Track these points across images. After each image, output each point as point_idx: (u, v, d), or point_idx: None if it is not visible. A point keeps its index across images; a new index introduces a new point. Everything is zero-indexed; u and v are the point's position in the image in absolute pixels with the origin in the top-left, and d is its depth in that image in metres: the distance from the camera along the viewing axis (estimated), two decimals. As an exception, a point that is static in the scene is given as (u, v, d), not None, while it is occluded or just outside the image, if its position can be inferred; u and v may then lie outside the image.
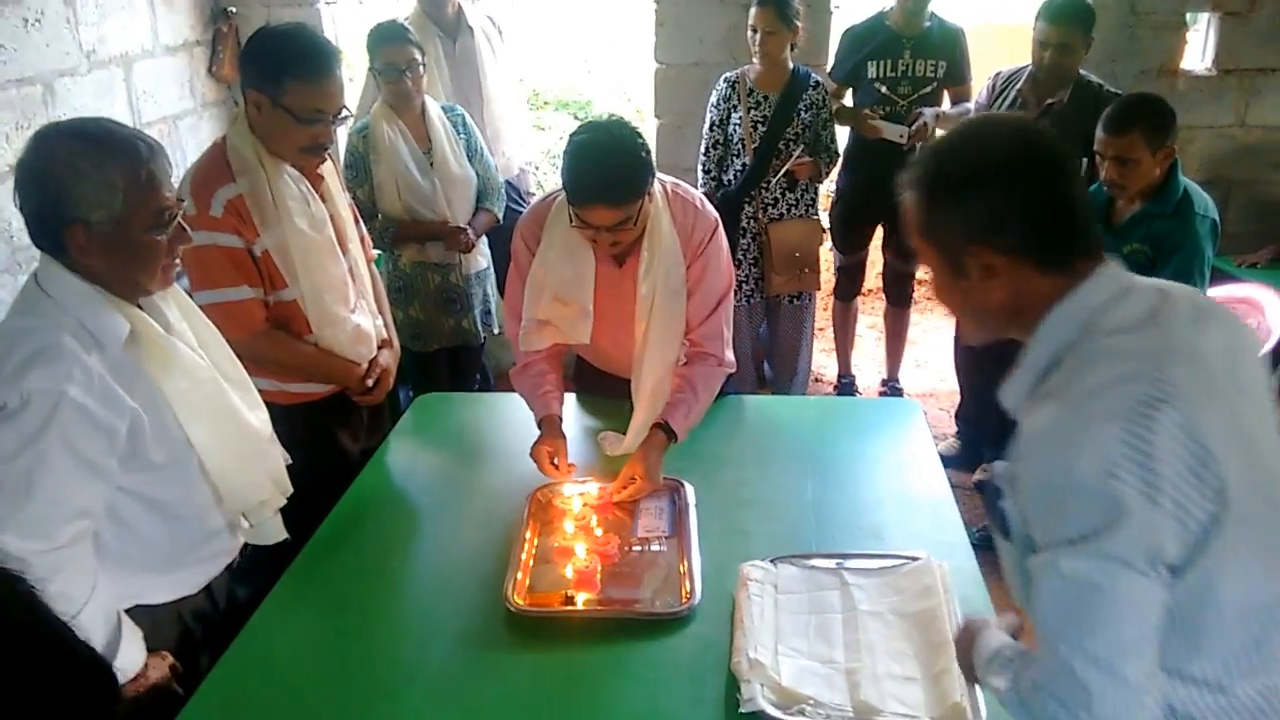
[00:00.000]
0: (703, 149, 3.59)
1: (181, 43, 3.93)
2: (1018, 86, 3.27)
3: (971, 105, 3.72)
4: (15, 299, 1.56)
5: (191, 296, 1.95)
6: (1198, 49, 3.98)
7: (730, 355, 2.25)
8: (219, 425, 1.70)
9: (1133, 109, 2.57)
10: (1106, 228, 2.71)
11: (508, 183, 3.65)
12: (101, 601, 1.50)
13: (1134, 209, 2.63)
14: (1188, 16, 3.85)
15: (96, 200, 1.48)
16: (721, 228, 2.22)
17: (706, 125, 3.57)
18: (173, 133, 3.88)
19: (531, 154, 4.22)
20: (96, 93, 3.43)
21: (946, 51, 3.62)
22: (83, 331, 1.49)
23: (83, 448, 1.46)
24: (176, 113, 3.90)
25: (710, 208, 2.22)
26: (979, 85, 3.73)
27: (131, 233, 1.51)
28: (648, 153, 2.00)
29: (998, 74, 3.39)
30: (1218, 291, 3.03)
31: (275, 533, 1.89)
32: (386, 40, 3.00)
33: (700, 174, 3.60)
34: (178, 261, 1.64)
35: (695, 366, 2.19)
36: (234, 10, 4.10)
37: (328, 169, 2.26)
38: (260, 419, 1.83)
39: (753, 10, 3.38)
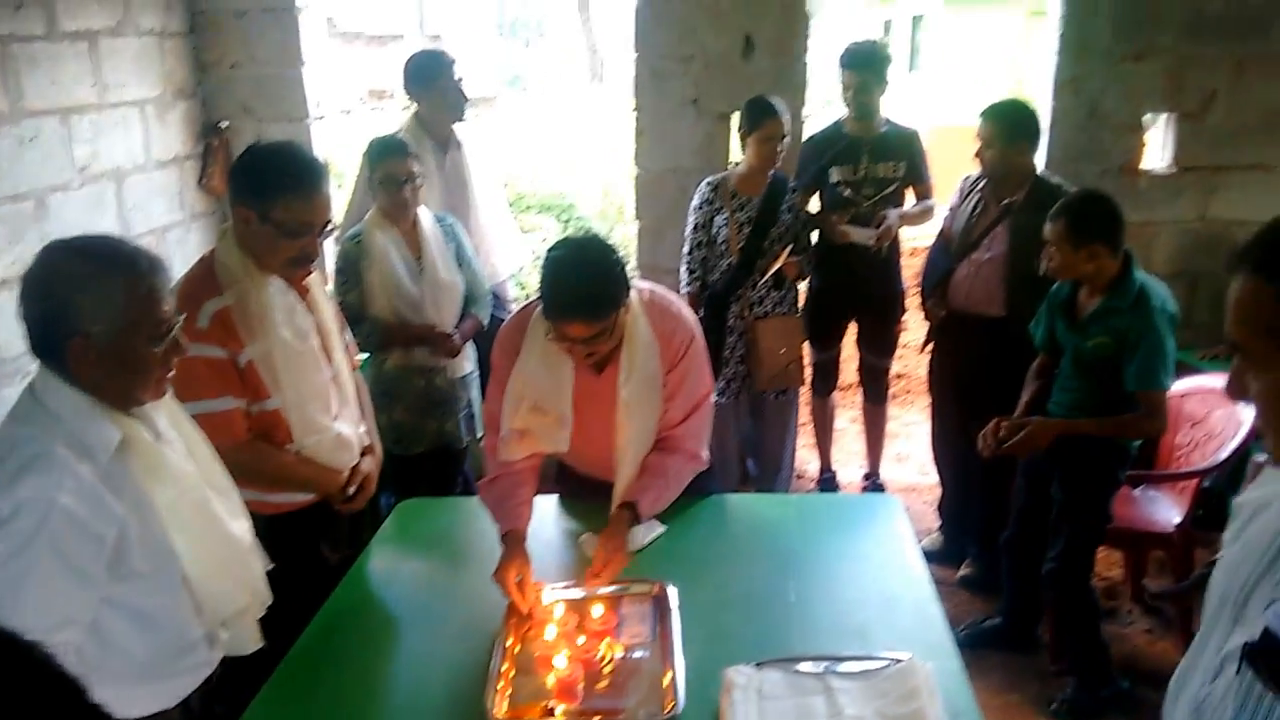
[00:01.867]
0: (686, 250, 3.68)
1: (172, 157, 4.04)
2: (979, 189, 3.38)
3: (933, 203, 3.85)
4: (11, 408, 1.59)
5: None
6: (1158, 148, 4.13)
7: (705, 454, 2.27)
8: (203, 534, 1.71)
9: (1068, 202, 2.72)
10: (1071, 322, 2.79)
11: (492, 290, 3.73)
12: None
13: (1095, 303, 2.71)
14: (1146, 117, 4.01)
15: (97, 313, 1.52)
16: (701, 333, 2.26)
17: (690, 227, 3.66)
18: (161, 244, 3.95)
19: (519, 260, 4.30)
20: (87, 207, 3.51)
21: (904, 153, 3.77)
22: (75, 441, 1.52)
23: (73, 555, 1.47)
24: (165, 224, 3.98)
25: (689, 313, 2.27)
26: (940, 185, 3.88)
27: (130, 345, 1.56)
28: (622, 267, 2.06)
29: (967, 177, 3.51)
30: (1183, 384, 3.07)
31: (251, 642, 1.87)
32: (390, 153, 3.11)
33: (685, 274, 3.68)
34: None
35: (669, 456, 2.22)
36: (225, 125, 4.22)
37: (314, 279, 2.30)
38: (242, 528, 1.84)
39: (764, 122, 3.47)
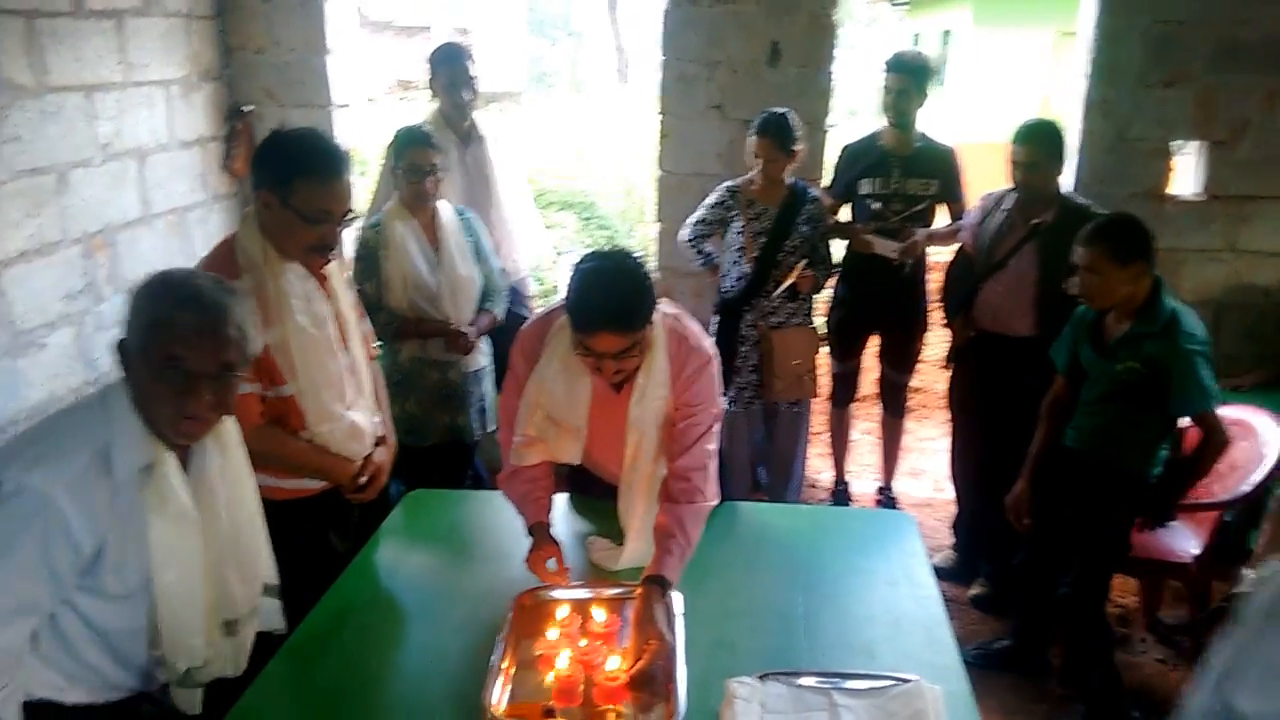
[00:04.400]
0: (689, 235, 3.68)
1: (196, 138, 4.03)
2: (1005, 207, 3.33)
3: (963, 224, 3.80)
4: (88, 396, 1.69)
5: None
6: (1188, 175, 4.08)
7: (714, 488, 2.18)
8: (185, 579, 1.69)
9: (1103, 224, 2.68)
10: (1097, 346, 2.74)
11: (512, 287, 3.71)
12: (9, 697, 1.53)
13: (1124, 328, 2.67)
14: (1176, 144, 3.96)
15: (132, 330, 1.62)
16: (715, 362, 2.21)
17: (697, 217, 3.66)
18: (182, 224, 3.95)
19: (540, 257, 4.29)
20: (109, 184, 3.50)
21: (938, 171, 3.71)
22: (104, 452, 1.57)
23: (51, 551, 1.51)
24: (187, 205, 3.97)
25: (706, 342, 2.21)
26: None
27: (146, 371, 1.60)
28: (650, 281, 2.03)
29: (988, 195, 3.46)
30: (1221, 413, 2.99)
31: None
32: (414, 144, 3.10)
33: (687, 232, 3.68)
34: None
35: (683, 506, 2.11)
36: (250, 109, 4.22)
37: (333, 267, 2.29)
38: (244, 593, 1.83)
39: (752, 138, 3.48)
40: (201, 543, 1.71)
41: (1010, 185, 3.31)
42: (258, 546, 1.88)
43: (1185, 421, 2.78)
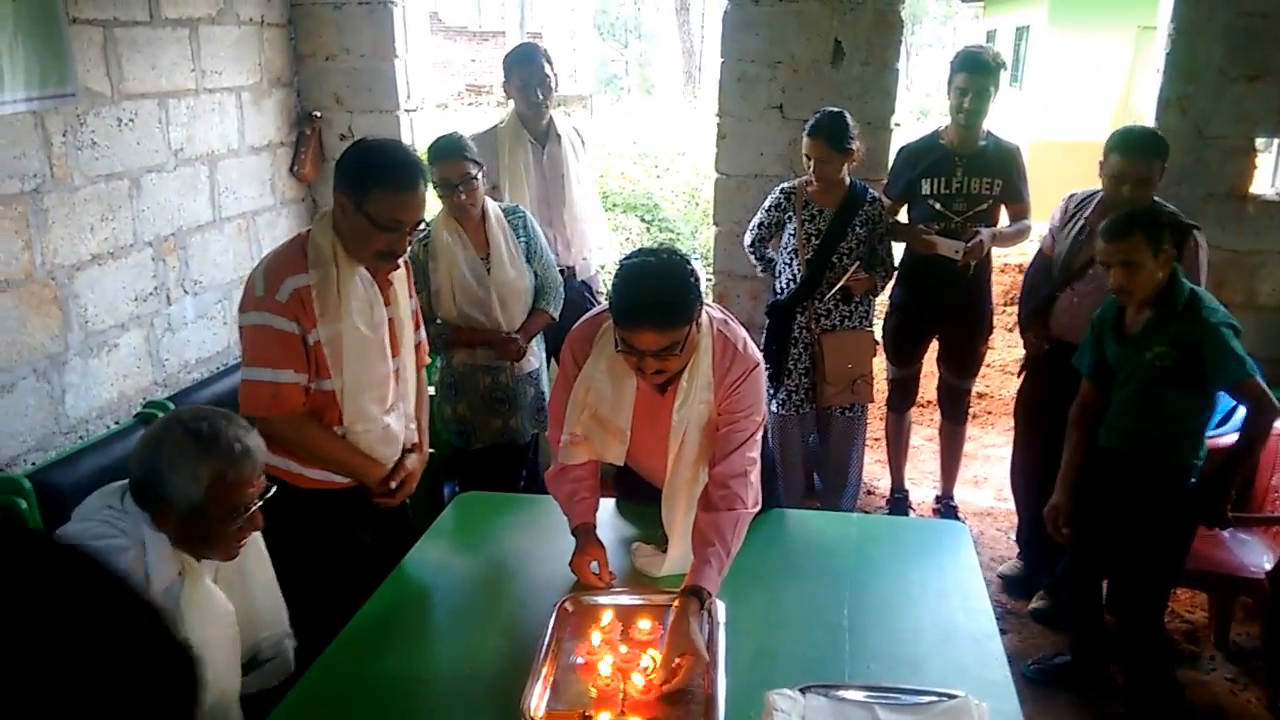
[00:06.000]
0: (749, 239, 3.68)
1: (266, 143, 4.13)
2: (1086, 213, 3.21)
3: (1029, 223, 3.69)
4: (109, 493, 1.76)
5: (242, 369, 2.13)
6: (1267, 173, 3.91)
7: (754, 496, 2.14)
8: (227, 666, 1.81)
9: (1130, 215, 2.66)
10: (1121, 338, 2.68)
11: (583, 281, 3.71)
12: None
13: (1145, 316, 2.63)
14: (1259, 142, 3.80)
15: (183, 490, 1.69)
16: (760, 369, 2.18)
17: (756, 221, 3.65)
18: (250, 227, 4.05)
19: (610, 256, 4.30)
20: (181, 188, 3.61)
21: (1002, 170, 3.60)
22: (139, 558, 1.68)
23: None
24: (256, 209, 4.08)
25: (752, 350, 2.19)
26: (1039, 202, 3.72)
27: (206, 520, 1.72)
28: (697, 281, 2.01)
29: (1071, 196, 3.33)
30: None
31: None
32: (440, 157, 3.06)
33: (749, 237, 3.68)
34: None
35: (721, 514, 2.06)
36: (319, 114, 4.31)
37: (398, 275, 2.34)
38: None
39: (804, 139, 3.43)
40: (237, 632, 1.83)
41: (1098, 190, 3.15)
42: (266, 609, 1.98)
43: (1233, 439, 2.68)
